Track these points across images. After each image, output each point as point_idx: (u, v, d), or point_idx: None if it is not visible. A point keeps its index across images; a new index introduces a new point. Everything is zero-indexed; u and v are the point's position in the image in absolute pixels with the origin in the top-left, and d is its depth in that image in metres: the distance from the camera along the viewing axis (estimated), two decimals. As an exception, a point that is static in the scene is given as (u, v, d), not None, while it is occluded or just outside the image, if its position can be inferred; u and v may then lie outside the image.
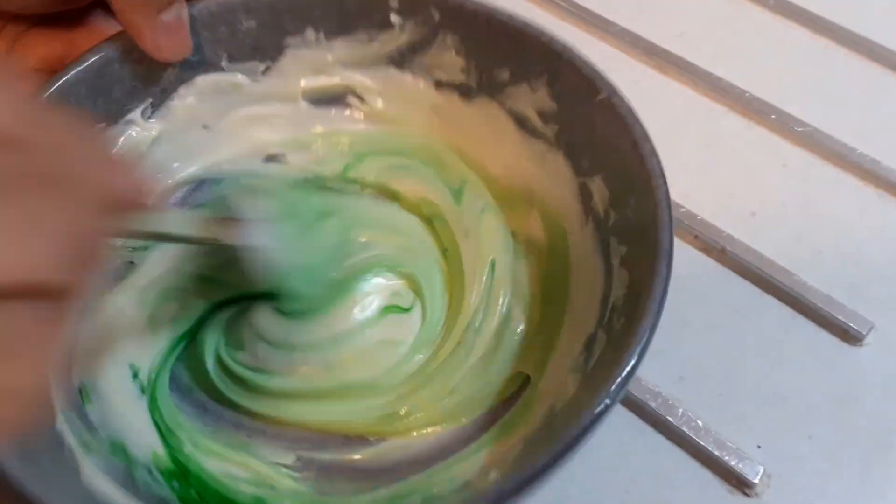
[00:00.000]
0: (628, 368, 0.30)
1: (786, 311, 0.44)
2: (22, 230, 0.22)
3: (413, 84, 0.46)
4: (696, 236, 0.47)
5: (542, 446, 0.29)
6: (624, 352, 0.30)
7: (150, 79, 0.43)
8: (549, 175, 0.42)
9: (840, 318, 0.43)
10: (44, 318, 0.23)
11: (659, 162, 0.35)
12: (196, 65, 0.44)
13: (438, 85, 0.45)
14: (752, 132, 0.52)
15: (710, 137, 0.52)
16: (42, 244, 0.22)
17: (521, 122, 0.43)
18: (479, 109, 0.45)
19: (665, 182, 0.34)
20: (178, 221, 0.33)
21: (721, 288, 0.45)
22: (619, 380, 0.30)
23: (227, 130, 0.46)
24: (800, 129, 0.51)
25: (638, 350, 0.30)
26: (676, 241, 0.46)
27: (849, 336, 0.43)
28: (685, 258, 0.46)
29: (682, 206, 0.47)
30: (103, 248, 0.26)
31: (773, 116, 0.52)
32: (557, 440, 0.28)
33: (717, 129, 0.52)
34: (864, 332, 0.43)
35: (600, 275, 0.38)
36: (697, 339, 0.43)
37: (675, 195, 0.47)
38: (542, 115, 0.42)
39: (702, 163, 0.50)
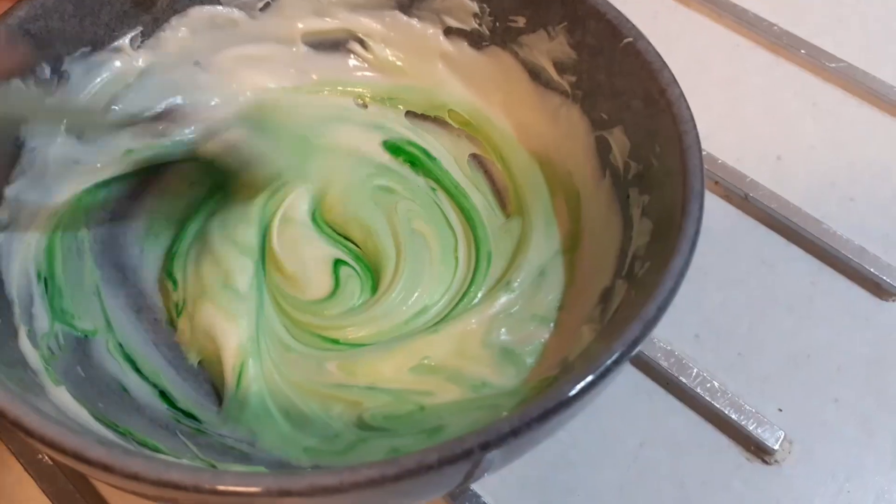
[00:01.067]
0: (659, 302, 0.27)
1: (813, 263, 0.41)
2: None
3: (420, 30, 0.43)
4: (716, 182, 0.43)
5: (551, 393, 0.26)
6: (652, 290, 0.28)
7: (142, 5, 0.40)
8: (561, 131, 0.40)
9: (872, 270, 0.40)
10: None
11: (688, 106, 0.33)
12: None
13: (448, 32, 0.43)
14: (779, 68, 0.48)
15: (735, 74, 0.48)
16: None
17: (535, 73, 0.41)
18: (491, 59, 0.42)
19: (695, 127, 0.32)
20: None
21: (743, 238, 0.42)
22: (649, 314, 0.27)
23: (220, 69, 0.43)
24: (832, 65, 0.47)
25: (670, 285, 0.28)
26: (695, 187, 0.43)
27: (881, 290, 0.40)
28: (705, 205, 0.42)
29: (703, 150, 0.43)
30: None
31: (802, 51, 0.48)
32: (567, 382, 0.25)
33: (742, 65, 0.48)
34: (899, 287, 0.39)
35: (617, 228, 0.36)
36: (715, 294, 0.40)
37: None
38: (558, 65, 0.39)
39: (725, 102, 0.47)
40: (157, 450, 0.31)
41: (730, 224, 0.42)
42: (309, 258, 0.39)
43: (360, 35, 0.44)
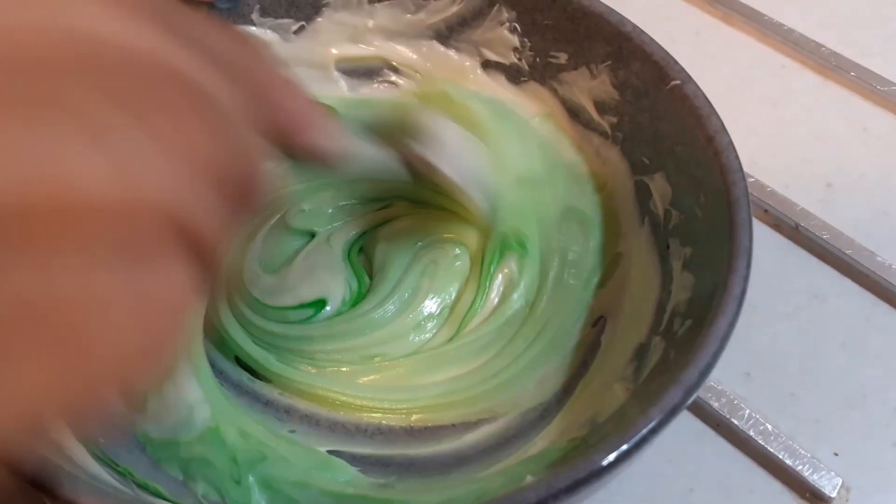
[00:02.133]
0: (701, 366, 0.26)
1: (867, 298, 0.39)
2: (165, 151, 0.17)
3: (458, 62, 0.42)
4: (765, 210, 0.41)
5: (579, 458, 0.25)
6: (694, 352, 0.27)
7: None
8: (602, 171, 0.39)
9: (931, 306, 0.38)
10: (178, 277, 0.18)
11: (737, 156, 0.31)
12: (225, 13, 0.40)
13: (486, 65, 0.41)
14: (828, 91, 0.46)
15: (781, 97, 0.46)
16: (188, 172, 0.18)
17: (574, 112, 0.39)
18: (529, 95, 0.41)
19: (744, 178, 0.31)
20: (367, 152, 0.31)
21: (794, 270, 0.40)
22: (690, 379, 0.26)
23: None
24: (883, 89, 0.46)
25: (713, 349, 0.27)
26: (744, 217, 0.41)
27: (940, 327, 0.38)
28: (754, 235, 0.41)
29: (750, 176, 0.42)
30: (263, 188, 0.21)
31: (852, 73, 0.46)
32: (599, 450, 0.24)
33: (789, 87, 0.47)
34: (959, 324, 0.38)
35: (655, 279, 0.34)
36: (767, 330, 0.38)
37: (742, 164, 0.42)
38: (599, 105, 0.38)
39: (771, 126, 0.45)
40: (158, 494, 0.30)
41: (780, 255, 0.40)
42: None
43: (394, 63, 0.43)
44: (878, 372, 0.37)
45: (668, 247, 0.34)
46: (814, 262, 0.40)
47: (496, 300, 0.37)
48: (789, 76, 0.47)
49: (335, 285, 0.37)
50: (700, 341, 0.26)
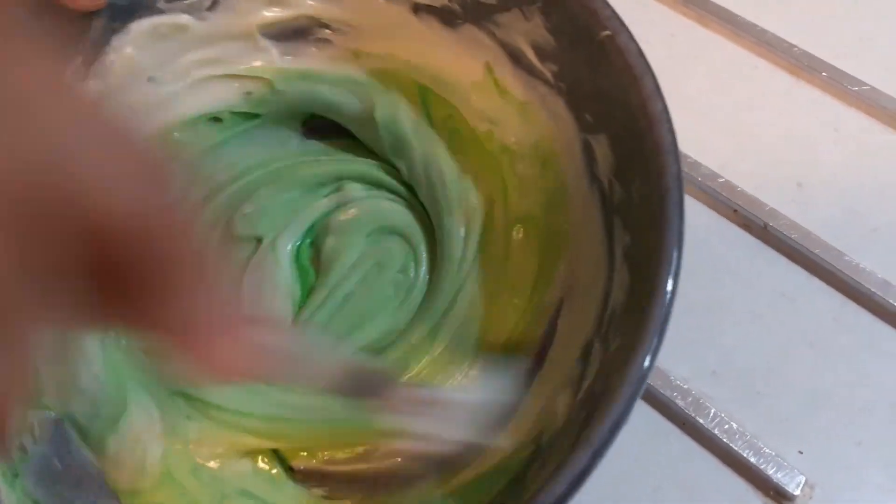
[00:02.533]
0: (609, 424, 0.25)
1: (835, 298, 0.39)
2: None
3: (387, 8, 0.39)
4: (735, 210, 0.41)
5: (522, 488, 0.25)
6: (612, 393, 0.25)
7: (74, 33, 0.37)
8: (550, 124, 0.36)
9: (898, 305, 0.38)
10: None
11: (670, 129, 0.28)
12: (127, 9, 0.37)
13: (416, 9, 0.38)
14: (800, 92, 0.47)
15: (754, 98, 0.46)
16: None
17: (515, 57, 0.36)
18: (466, 39, 0.38)
19: (677, 162, 0.27)
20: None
21: (762, 269, 0.40)
22: (602, 437, 0.25)
23: (179, 80, 0.40)
24: (855, 89, 0.46)
25: (627, 396, 0.25)
26: (714, 216, 0.42)
27: (908, 327, 0.38)
28: (723, 235, 0.41)
29: (720, 177, 0.42)
30: None
31: (824, 74, 0.46)
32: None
33: (762, 87, 0.47)
34: (926, 323, 0.38)
35: (603, 266, 0.32)
36: (733, 329, 0.38)
37: (712, 164, 0.43)
38: (538, 50, 0.35)
39: (743, 127, 0.45)
40: None
41: (749, 255, 0.41)
42: None
43: (323, 20, 0.40)
44: (845, 371, 0.37)
45: (612, 226, 0.32)
46: (783, 261, 0.40)
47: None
48: (762, 77, 0.47)
49: (280, 303, 0.37)
50: (617, 380, 0.25)
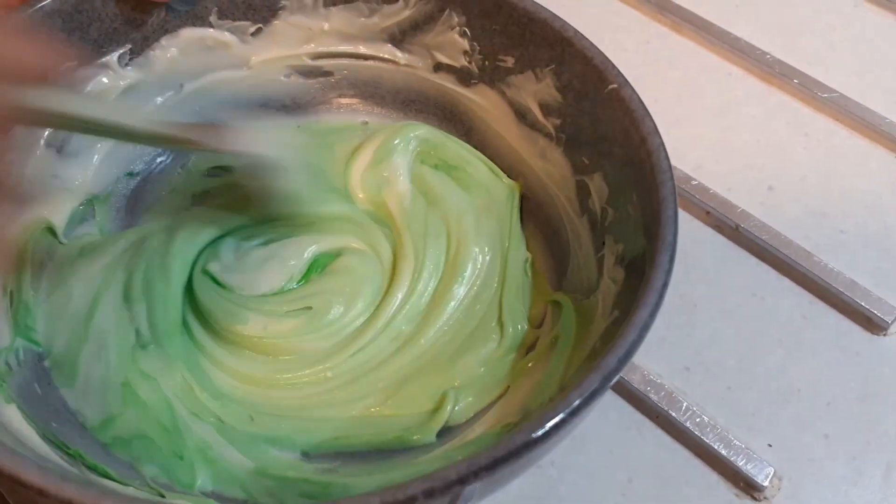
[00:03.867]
0: (619, 354, 0.27)
1: (804, 296, 0.41)
2: None
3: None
4: (707, 212, 0.43)
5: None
6: (616, 342, 0.27)
7: (133, 22, 0.39)
8: (547, 172, 0.40)
9: (864, 304, 0.39)
10: None
11: (667, 156, 0.33)
12: (183, 15, 0.41)
13: (437, 68, 0.43)
14: (772, 98, 0.48)
15: (727, 104, 0.48)
16: None
17: (521, 113, 0.41)
18: (478, 97, 0.42)
19: (672, 178, 0.32)
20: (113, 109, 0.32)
21: (734, 269, 0.41)
22: (609, 365, 0.27)
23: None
24: (824, 96, 0.47)
25: (632, 338, 0.27)
26: (686, 217, 0.43)
27: (873, 325, 0.40)
28: (695, 236, 0.42)
29: (694, 179, 0.43)
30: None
31: (795, 81, 0.48)
32: (519, 431, 0.25)
33: (734, 94, 0.48)
34: (890, 321, 0.39)
35: (592, 274, 0.36)
36: (706, 326, 0.39)
37: (686, 167, 0.44)
38: (544, 107, 0.39)
39: (716, 131, 0.46)
40: (106, 475, 0.31)
41: (720, 255, 0.42)
42: None
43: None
44: (813, 367, 0.38)
45: (603, 243, 0.36)
46: (753, 261, 0.42)
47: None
48: (735, 83, 0.49)
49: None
50: (621, 331, 0.27)
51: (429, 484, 0.24)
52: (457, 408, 0.35)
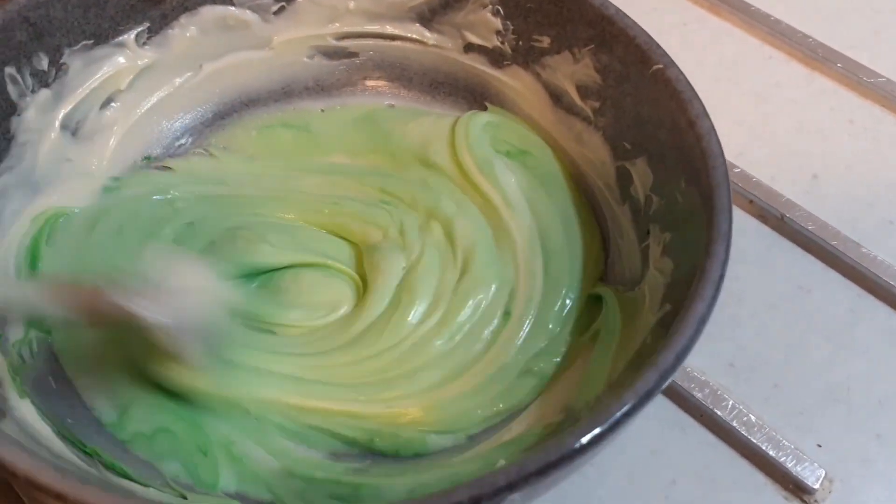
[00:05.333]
0: (677, 350, 0.25)
1: (852, 289, 0.39)
2: None
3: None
4: (751, 201, 0.41)
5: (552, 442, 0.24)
6: (671, 336, 0.26)
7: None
8: (583, 157, 0.39)
9: (916, 298, 0.38)
10: None
11: (718, 141, 0.31)
12: None
13: (468, 48, 0.41)
14: (814, 83, 0.46)
15: (768, 89, 0.46)
16: None
17: (556, 96, 0.39)
18: (511, 79, 0.40)
19: (725, 163, 0.30)
20: None
21: (779, 261, 0.40)
22: (666, 362, 0.25)
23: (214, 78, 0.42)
24: (870, 81, 0.45)
25: (689, 333, 0.26)
26: (729, 207, 0.41)
27: (925, 318, 0.38)
28: (738, 226, 0.39)
29: (736, 167, 0.41)
30: None
31: (839, 65, 0.46)
32: (572, 433, 0.24)
33: (776, 79, 0.46)
34: (943, 315, 0.37)
35: (635, 265, 0.34)
36: (751, 321, 0.38)
37: (728, 153, 0.41)
38: (581, 89, 0.38)
39: (758, 118, 0.44)
40: (125, 475, 0.30)
41: (765, 246, 0.40)
42: None
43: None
44: (863, 364, 0.37)
45: (648, 232, 0.34)
46: (799, 253, 0.40)
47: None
48: (776, 68, 0.47)
49: None
50: (677, 326, 0.26)
51: (476, 490, 0.22)
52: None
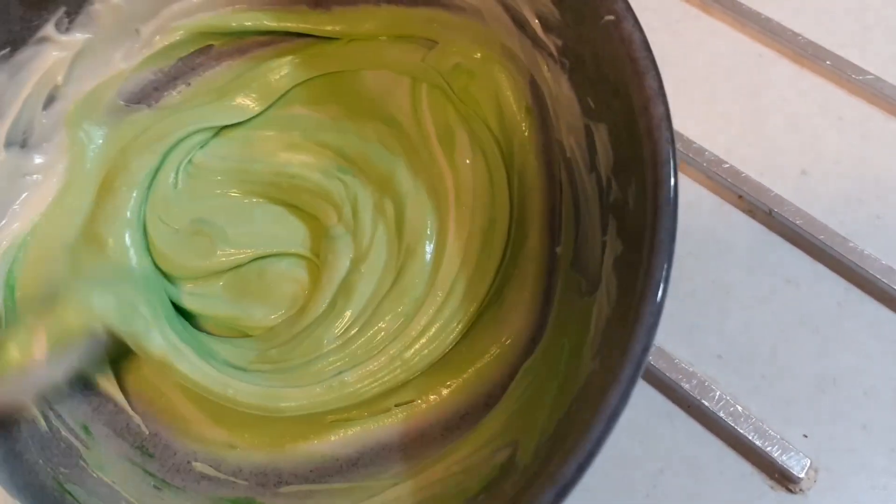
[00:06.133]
0: (579, 459, 0.24)
1: (839, 283, 0.39)
2: None
3: None
4: (740, 196, 0.41)
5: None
6: (595, 407, 0.24)
7: None
8: (554, 98, 0.35)
9: (902, 291, 0.38)
10: None
11: (672, 139, 0.25)
12: None
13: None
14: (804, 80, 0.47)
15: (758, 86, 0.46)
16: None
17: (519, 23, 0.34)
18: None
19: (673, 165, 0.25)
20: None
21: (767, 255, 0.40)
22: (583, 454, 0.24)
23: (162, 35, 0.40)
24: (858, 78, 0.46)
25: (605, 419, 0.23)
26: (718, 202, 0.41)
27: (911, 312, 0.38)
28: (728, 221, 0.41)
29: (726, 162, 0.42)
30: None
31: (828, 63, 0.46)
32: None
33: (766, 76, 0.47)
34: (929, 309, 0.38)
35: (596, 255, 0.31)
36: (739, 313, 0.38)
37: (718, 150, 0.43)
38: (542, 20, 0.32)
39: (748, 114, 0.45)
40: None
41: (753, 240, 0.40)
42: None
43: None
44: (849, 356, 0.37)
45: (606, 227, 0.30)
46: (787, 247, 0.40)
47: None
48: (766, 65, 0.47)
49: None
50: (602, 394, 0.23)
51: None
52: None
